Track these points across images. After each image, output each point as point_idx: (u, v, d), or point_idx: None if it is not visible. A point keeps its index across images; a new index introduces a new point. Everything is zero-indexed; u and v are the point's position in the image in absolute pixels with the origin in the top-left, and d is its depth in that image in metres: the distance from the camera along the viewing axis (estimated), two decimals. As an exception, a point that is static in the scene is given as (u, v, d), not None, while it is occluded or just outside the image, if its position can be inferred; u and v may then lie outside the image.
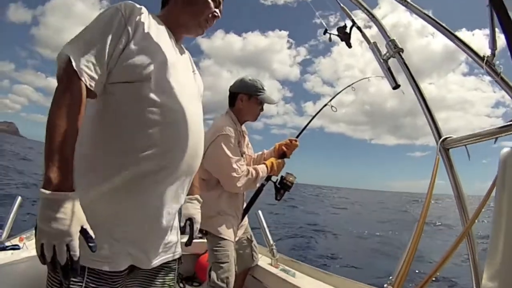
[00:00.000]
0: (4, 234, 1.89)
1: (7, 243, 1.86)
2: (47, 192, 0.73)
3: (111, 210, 0.89)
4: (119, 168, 0.88)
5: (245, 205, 2.07)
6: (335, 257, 7.30)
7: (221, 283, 1.77)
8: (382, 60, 1.21)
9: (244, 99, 1.95)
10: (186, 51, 1.14)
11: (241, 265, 2.07)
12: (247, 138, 2.08)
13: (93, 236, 0.77)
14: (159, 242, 1.01)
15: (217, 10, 1.11)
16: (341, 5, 1.39)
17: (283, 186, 2.06)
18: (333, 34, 1.39)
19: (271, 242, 2.35)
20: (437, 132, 1.10)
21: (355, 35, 1.38)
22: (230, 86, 2.04)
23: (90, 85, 0.84)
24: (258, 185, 1.99)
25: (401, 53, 1.17)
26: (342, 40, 1.38)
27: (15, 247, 1.83)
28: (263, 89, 1.99)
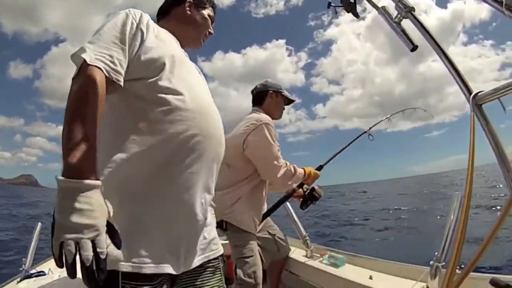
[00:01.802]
0: (28, 262, 1.89)
1: (33, 271, 1.85)
2: (69, 180, 0.65)
3: (139, 205, 0.84)
4: (146, 158, 0.85)
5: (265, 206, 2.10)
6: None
7: (249, 278, 1.75)
8: (394, 23, 1.14)
9: (273, 95, 2.14)
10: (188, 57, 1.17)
11: (267, 259, 2.09)
12: None
13: (119, 231, 0.70)
14: (196, 237, 0.97)
15: (211, 28, 1.26)
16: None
17: (311, 197, 2.10)
18: (338, 6, 1.33)
19: (304, 233, 2.29)
20: (467, 88, 1.02)
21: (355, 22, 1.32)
22: (255, 88, 2.21)
23: (113, 77, 0.83)
24: (290, 186, 2.04)
25: (413, 12, 1.10)
26: (348, 11, 1.33)
27: (40, 274, 1.82)
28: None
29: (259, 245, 1.98)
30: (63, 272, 1.81)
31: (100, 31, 0.89)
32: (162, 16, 1.22)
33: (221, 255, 1.08)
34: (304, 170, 2.09)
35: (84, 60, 0.79)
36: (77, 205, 0.64)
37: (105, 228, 0.67)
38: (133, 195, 0.83)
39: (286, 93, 2.18)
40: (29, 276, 1.81)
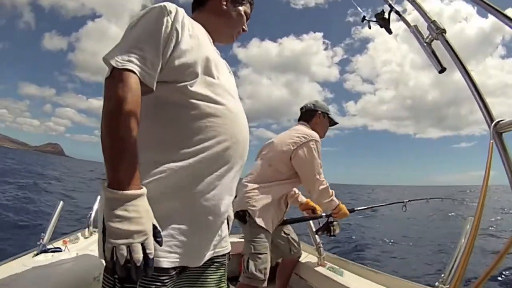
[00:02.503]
0: (46, 237, 1.98)
1: (49, 246, 1.94)
2: (117, 191, 0.72)
3: (165, 206, 0.87)
4: (175, 162, 0.88)
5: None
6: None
7: (259, 274, 1.86)
8: (425, 44, 1.16)
9: (321, 116, 2.37)
10: (219, 54, 1.18)
11: (277, 256, 2.28)
12: None
13: (161, 230, 0.78)
14: (213, 237, 1.02)
15: (246, 25, 1.24)
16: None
17: (328, 229, 2.25)
18: (372, 21, 1.36)
19: (318, 240, 2.39)
20: (489, 115, 1.03)
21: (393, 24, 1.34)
22: (305, 106, 2.42)
23: (145, 80, 0.84)
24: (324, 205, 2.19)
25: (444, 34, 1.12)
26: (381, 26, 1.35)
27: (56, 250, 1.90)
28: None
29: (271, 242, 2.10)
30: (80, 250, 1.90)
31: (134, 29, 0.89)
32: (197, 7, 1.20)
33: (228, 253, 1.12)
34: (339, 203, 2.21)
35: (116, 65, 0.80)
36: (126, 214, 0.71)
37: (151, 231, 0.75)
38: (163, 194, 0.86)
39: (332, 116, 2.40)
40: (46, 251, 1.89)
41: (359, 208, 2.47)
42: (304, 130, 2.24)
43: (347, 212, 2.25)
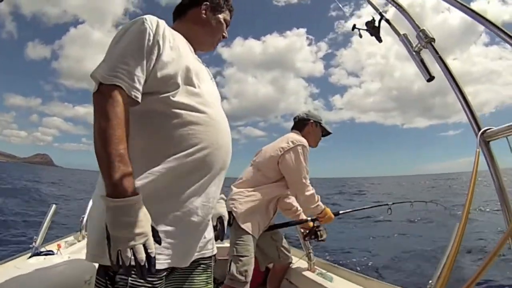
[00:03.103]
0: (38, 240, 1.99)
1: (42, 249, 1.95)
2: (117, 199, 0.77)
3: (153, 210, 0.89)
4: (160, 169, 0.92)
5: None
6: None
7: (240, 276, 1.91)
8: (414, 52, 1.18)
9: (314, 125, 2.41)
10: (201, 62, 1.22)
11: (265, 261, 2.33)
12: None
13: (158, 230, 0.83)
14: (199, 239, 1.06)
15: (226, 32, 1.28)
16: (368, -2, 1.38)
17: (315, 234, 2.31)
18: (362, 29, 1.38)
19: (308, 245, 2.42)
20: (476, 124, 1.05)
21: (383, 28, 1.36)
22: (298, 116, 2.46)
23: (132, 94, 0.88)
24: (310, 210, 2.23)
25: (432, 43, 1.14)
26: (371, 35, 1.38)
27: (49, 253, 1.91)
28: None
29: (259, 247, 2.15)
30: (72, 253, 1.91)
31: (118, 44, 0.93)
32: (178, 16, 1.23)
33: (214, 255, 1.17)
34: (325, 208, 2.24)
35: (103, 80, 0.85)
36: (128, 219, 0.77)
37: (151, 232, 0.81)
38: (149, 199, 0.88)
39: (324, 125, 2.45)
40: (39, 254, 1.91)
41: (343, 212, 2.50)
42: (293, 136, 2.29)
43: (332, 216, 2.29)
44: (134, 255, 0.76)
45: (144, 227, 0.78)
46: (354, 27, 1.39)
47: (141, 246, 0.77)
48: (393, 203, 2.70)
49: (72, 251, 2.05)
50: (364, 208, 2.75)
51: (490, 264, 0.92)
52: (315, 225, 2.31)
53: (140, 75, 0.90)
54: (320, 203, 2.21)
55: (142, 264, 0.76)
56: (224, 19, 1.25)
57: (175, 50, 1.02)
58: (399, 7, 1.23)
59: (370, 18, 1.35)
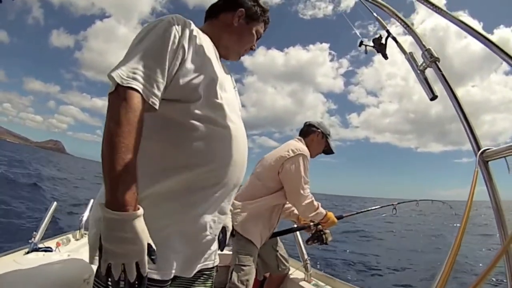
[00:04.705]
0: (38, 236, 2.02)
1: (40, 245, 1.98)
2: (115, 212, 0.73)
3: (164, 222, 0.90)
4: (171, 180, 0.90)
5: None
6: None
7: (241, 285, 1.93)
8: (419, 71, 1.22)
9: (320, 136, 2.41)
10: (226, 68, 1.18)
11: (264, 270, 2.36)
12: None
13: (155, 249, 0.79)
14: (206, 250, 1.05)
15: (255, 44, 1.23)
16: (375, 15, 1.42)
17: (319, 238, 2.30)
18: (369, 46, 1.42)
19: (306, 256, 2.46)
20: (476, 143, 1.09)
21: (393, 43, 1.40)
22: (311, 122, 2.47)
23: (150, 100, 0.84)
24: (311, 218, 2.24)
25: (437, 62, 1.18)
26: (378, 51, 1.41)
27: (47, 249, 1.94)
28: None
29: (259, 256, 2.17)
30: (71, 251, 1.94)
31: (140, 44, 0.87)
32: (210, 17, 1.18)
33: (216, 266, 1.15)
34: (326, 213, 2.25)
35: (121, 82, 0.80)
36: (123, 234, 0.73)
37: (146, 250, 0.76)
38: (159, 208, 0.89)
39: (330, 141, 2.44)
40: (37, 250, 1.93)
41: (347, 215, 2.52)
42: (295, 144, 2.29)
43: (335, 220, 2.29)
44: (125, 272, 0.73)
45: (139, 244, 0.74)
46: (361, 43, 1.43)
47: (133, 264, 0.74)
48: (398, 203, 2.72)
49: (71, 249, 2.08)
50: (368, 210, 2.74)
51: (483, 281, 0.96)
52: (318, 229, 2.30)
53: (160, 80, 0.86)
54: (320, 209, 2.21)
55: (132, 281, 0.74)
56: (256, 31, 1.20)
57: (201, 56, 0.97)
58: (406, 25, 1.27)
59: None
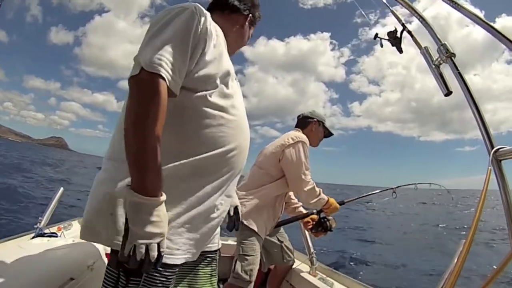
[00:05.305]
0: (43, 222, 2.04)
1: (46, 230, 2.00)
2: (144, 197, 0.79)
3: (176, 206, 0.94)
4: (185, 165, 0.95)
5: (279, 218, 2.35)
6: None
7: (245, 274, 1.95)
8: (433, 66, 1.20)
9: (316, 125, 2.45)
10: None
11: (269, 262, 2.37)
12: None
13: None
14: (210, 234, 1.09)
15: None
16: (391, 9, 1.40)
17: (323, 226, 2.31)
18: (384, 39, 1.40)
19: (312, 250, 2.45)
20: (490, 142, 1.07)
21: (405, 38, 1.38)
22: (302, 114, 2.51)
23: (172, 87, 0.87)
24: (312, 205, 2.26)
25: (453, 58, 1.16)
26: (392, 45, 1.39)
27: (53, 235, 1.96)
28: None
29: (264, 248, 2.20)
30: (75, 237, 1.95)
31: (165, 29, 0.90)
32: (220, 10, 1.22)
33: (218, 249, 1.22)
34: (328, 199, 2.27)
35: (147, 67, 0.82)
36: (150, 218, 0.80)
37: (167, 233, 0.85)
38: (172, 193, 0.91)
39: (327, 126, 2.50)
40: (42, 235, 1.95)
41: (348, 200, 2.52)
42: (294, 133, 2.34)
43: (337, 205, 2.32)
44: (147, 251, 0.79)
45: (163, 228, 0.82)
46: (376, 36, 1.41)
47: (156, 245, 0.80)
48: (398, 187, 2.74)
49: (75, 235, 2.09)
50: (369, 194, 2.81)
51: (493, 281, 0.95)
52: (321, 216, 2.32)
53: (182, 69, 0.90)
54: (322, 195, 2.23)
55: (153, 261, 0.80)
56: (251, 34, 1.32)
57: (218, 48, 1.02)
58: (422, 19, 1.24)
59: (393, 28, 1.36)
